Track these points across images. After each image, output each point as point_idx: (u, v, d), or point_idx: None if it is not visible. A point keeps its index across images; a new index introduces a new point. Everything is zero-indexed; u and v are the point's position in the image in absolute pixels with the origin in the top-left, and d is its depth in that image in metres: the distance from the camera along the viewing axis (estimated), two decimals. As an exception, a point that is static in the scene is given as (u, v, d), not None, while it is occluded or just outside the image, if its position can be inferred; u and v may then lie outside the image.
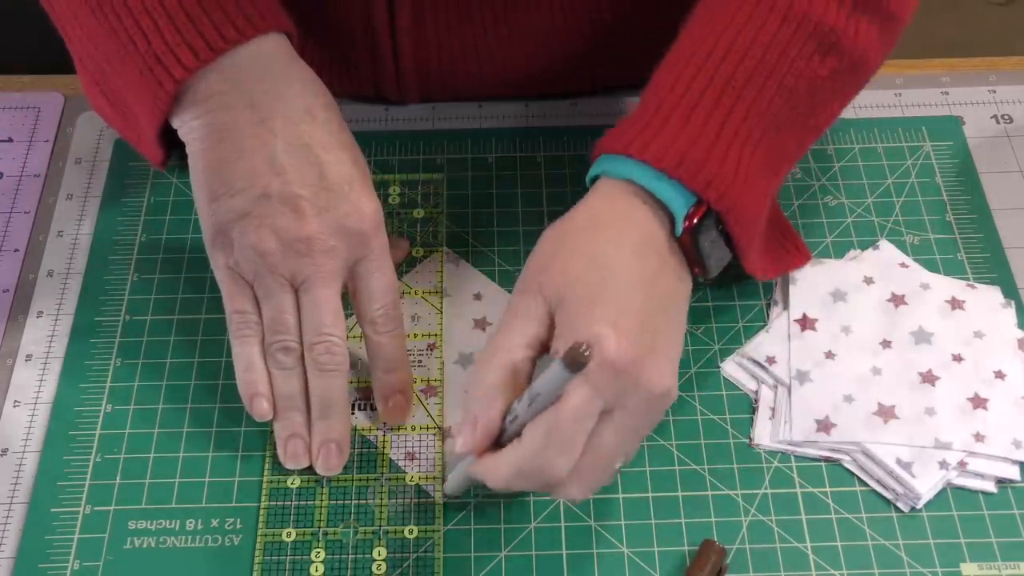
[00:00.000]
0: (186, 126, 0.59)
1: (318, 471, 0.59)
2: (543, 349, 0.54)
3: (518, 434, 0.52)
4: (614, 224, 0.55)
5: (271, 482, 0.60)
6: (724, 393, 0.63)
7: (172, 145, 0.63)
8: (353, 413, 0.62)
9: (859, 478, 0.60)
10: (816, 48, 0.57)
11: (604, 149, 0.58)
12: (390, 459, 0.61)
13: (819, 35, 0.57)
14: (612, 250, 0.54)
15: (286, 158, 0.58)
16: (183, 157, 0.61)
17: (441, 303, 0.66)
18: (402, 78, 0.74)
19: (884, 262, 0.67)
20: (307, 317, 0.59)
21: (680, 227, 0.55)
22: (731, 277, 0.67)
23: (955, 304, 0.65)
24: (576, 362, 0.48)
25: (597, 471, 0.53)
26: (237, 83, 0.59)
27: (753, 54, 0.57)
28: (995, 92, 0.76)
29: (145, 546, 0.58)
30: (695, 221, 0.55)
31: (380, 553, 0.58)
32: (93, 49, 0.62)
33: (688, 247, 0.56)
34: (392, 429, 0.62)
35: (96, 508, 0.59)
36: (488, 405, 0.53)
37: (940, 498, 0.59)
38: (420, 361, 0.64)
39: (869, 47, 0.59)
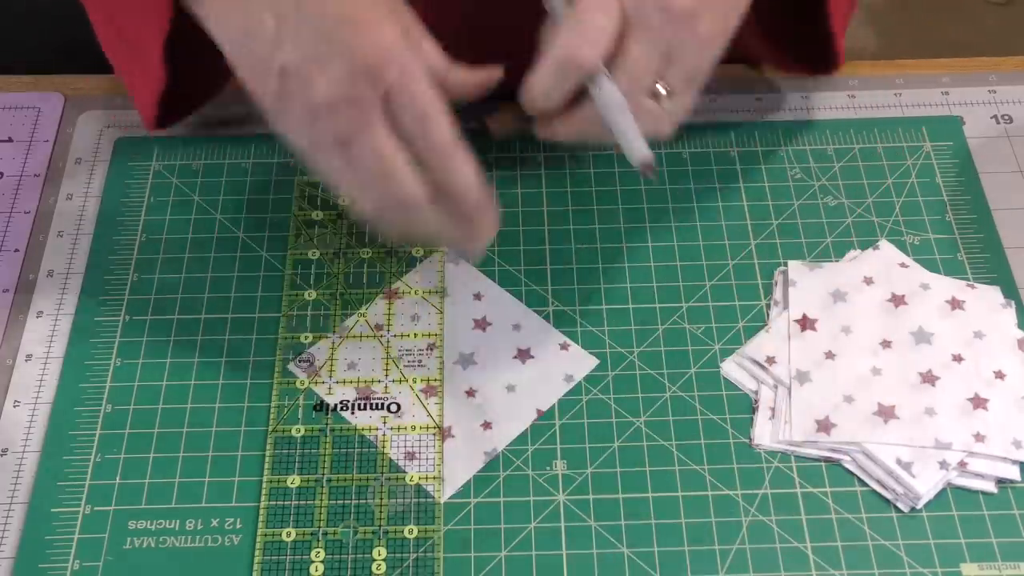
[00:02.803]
0: (204, 18, 0.58)
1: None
2: None
3: None
4: None
5: (271, 482, 0.60)
6: (724, 393, 0.63)
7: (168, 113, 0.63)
8: (353, 413, 0.62)
9: (859, 478, 0.60)
10: None
11: None
12: (390, 459, 0.61)
13: None
14: None
15: (283, 26, 0.55)
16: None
17: (441, 303, 0.66)
18: None
19: (884, 262, 0.67)
20: (369, 162, 0.55)
21: None
22: (730, 277, 0.67)
23: (955, 304, 0.65)
24: None
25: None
26: None
27: None
28: (995, 92, 0.76)
29: (145, 546, 0.58)
30: None
31: (380, 553, 0.58)
32: None
33: None
34: (392, 429, 0.62)
35: (96, 508, 0.59)
36: None
37: (940, 498, 0.59)
38: (420, 361, 0.64)
39: None
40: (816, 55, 0.71)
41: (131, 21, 0.65)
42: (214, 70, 0.63)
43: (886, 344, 0.63)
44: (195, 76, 0.69)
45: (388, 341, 0.65)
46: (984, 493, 0.59)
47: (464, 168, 0.57)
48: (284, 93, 0.56)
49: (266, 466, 0.60)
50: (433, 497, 0.59)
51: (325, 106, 0.55)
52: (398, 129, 0.55)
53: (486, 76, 0.60)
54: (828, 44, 0.70)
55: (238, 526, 0.58)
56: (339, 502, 0.59)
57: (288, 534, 0.58)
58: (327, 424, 0.62)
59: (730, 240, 0.69)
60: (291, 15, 0.55)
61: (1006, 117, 0.75)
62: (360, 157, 0.55)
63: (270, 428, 0.61)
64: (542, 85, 0.57)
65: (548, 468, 0.60)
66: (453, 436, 0.61)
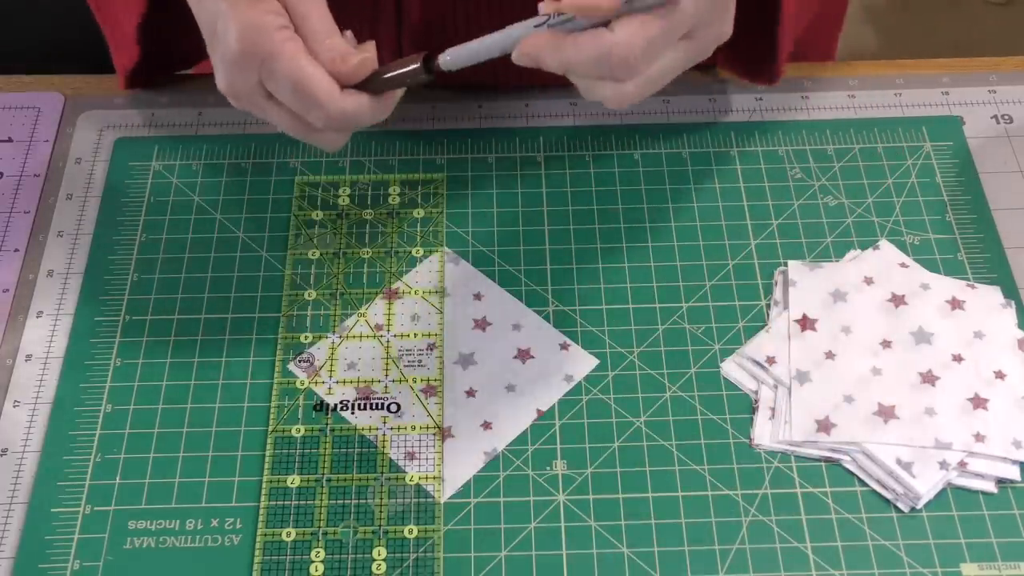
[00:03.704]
0: None
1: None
2: None
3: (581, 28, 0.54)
4: None
5: (271, 482, 0.60)
6: (724, 393, 0.63)
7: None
8: (353, 413, 0.62)
9: (859, 478, 0.60)
10: None
11: None
12: (390, 459, 0.61)
13: None
14: None
15: (204, 27, 0.59)
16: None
17: (441, 303, 0.66)
18: (403, 54, 0.74)
19: (884, 262, 0.67)
20: (281, 125, 0.60)
21: None
22: (732, 276, 0.67)
23: (955, 304, 0.65)
24: None
25: (660, 82, 0.57)
26: None
27: None
28: (995, 92, 0.76)
29: (145, 546, 0.58)
30: None
31: (380, 553, 0.58)
32: None
33: None
34: (392, 429, 0.61)
35: (96, 508, 0.59)
36: None
37: (940, 498, 0.59)
38: (420, 361, 0.64)
39: None
40: (760, 67, 0.73)
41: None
42: (187, 42, 0.65)
43: (886, 344, 0.63)
44: (170, 46, 0.73)
45: (388, 341, 0.65)
46: (984, 493, 0.59)
47: (351, 121, 0.59)
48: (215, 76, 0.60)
49: (266, 466, 0.60)
50: (433, 497, 0.59)
51: (227, 94, 0.59)
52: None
53: (359, 60, 0.59)
54: (772, 60, 0.71)
55: (238, 526, 0.58)
56: (339, 502, 0.59)
57: (288, 534, 0.58)
58: (327, 424, 0.62)
59: (730, 240, 0.69)
60: (200, 14, 0.59)
61: (1006, 117, 0.75)
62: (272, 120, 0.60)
63: (270, 428, 0.61)
64: (470, 56, 0.58)
65: (548, 468, 0.60)
66: (453, 436, 0.61)
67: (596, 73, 0.55)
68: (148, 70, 0.74)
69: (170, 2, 0.66)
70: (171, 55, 0.76)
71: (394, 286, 0.67)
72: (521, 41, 0.56)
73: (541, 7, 0.56)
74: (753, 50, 0.72)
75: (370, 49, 0.59)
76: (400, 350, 0.64)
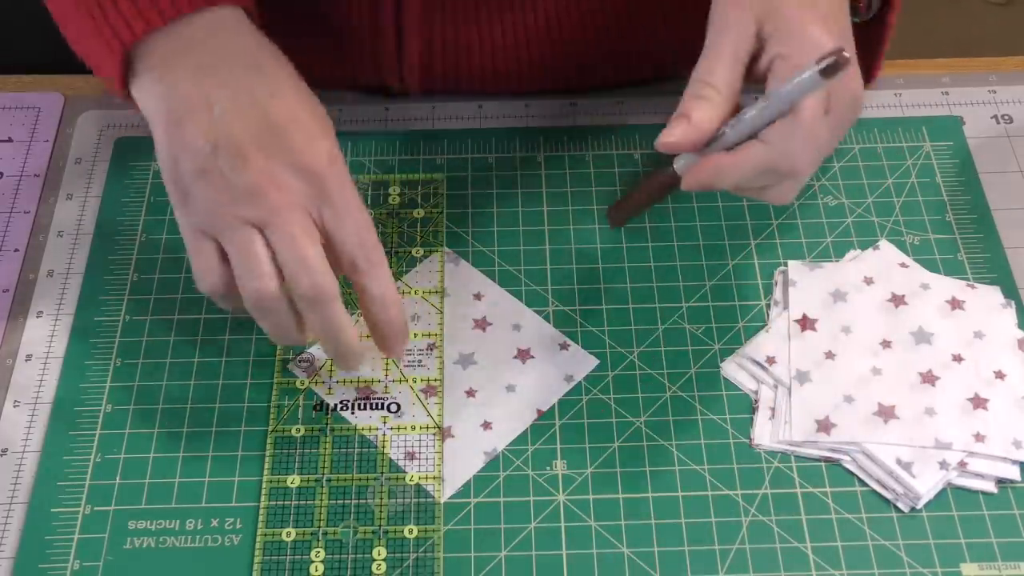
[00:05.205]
0: (141, 92, 0.59)
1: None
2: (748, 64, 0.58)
3: (727, 145, 0.56)
4: None
5: (271, 482, 0.60)
6: (724, 393, 0.63)
7: None
8: (353, 413, 0.62)
9: (859, 478, 0.60)
10: None
11: None
12: (390, 459, 0.61)
13: None
14: None
15: (230, 108, 0.57)
16: None
17: (441, 303, 0.66)
18: (404, 64, 0.74)
19: (884, 262, 0.67)
20: (282, 256, 0.56)
21: None
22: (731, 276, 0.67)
23: (955, 304, 0.65)
24: (835, 68, 0.52)
25: (815, 168, 0.59)
26: (188, 46, 0.58)
27: None
28: (995, 92, 0.76)
29: (145, 546, 0.58)
30: None
31: (380, 553, 0.58)
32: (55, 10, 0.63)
33: None
34: (392, 429, 0.62)
35: (96, 508, 0.59)
36: (708, 107, 0.56)
37: (940, 498, 0.59)
38: (420, 361, 0.64)
39: None
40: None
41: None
42: None
43: (886, 344, 0.63)
44: None
45: (388, 341, 0.65)
46: (984, 493, 0.59)
47: (387, 300, 0.59)
48: (209, 169, 0.56)
49: (266, 466, 0.60)
50: (433, 497, 0.59)
51: (252, 187, 0.56)
52: (321, 227, 0.57)
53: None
54: (873, 58, 0.71)
55: (238, 526, 0.58)
56: (339, 502, 0.59)
57: (288, 534, 0.58)
58: (327, 424, 0.62)
59: (730, 240, 0.69)
60: (243, 100, 0.57)
61: (1006, 117, 0.75)
62: (277, 240, 0.56)
63: (270, 428, 0.61)
64: (737, 176, 0.57)
65: (548, 468, 0.60)
66: (453, 436, 0.61)
67: (764, 181, 0.58)
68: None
69: None
70: None
71: (394, 286, 0.67)
72: (684, 175, 0.58)
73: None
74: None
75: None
76: (400, 350, 0.64)
